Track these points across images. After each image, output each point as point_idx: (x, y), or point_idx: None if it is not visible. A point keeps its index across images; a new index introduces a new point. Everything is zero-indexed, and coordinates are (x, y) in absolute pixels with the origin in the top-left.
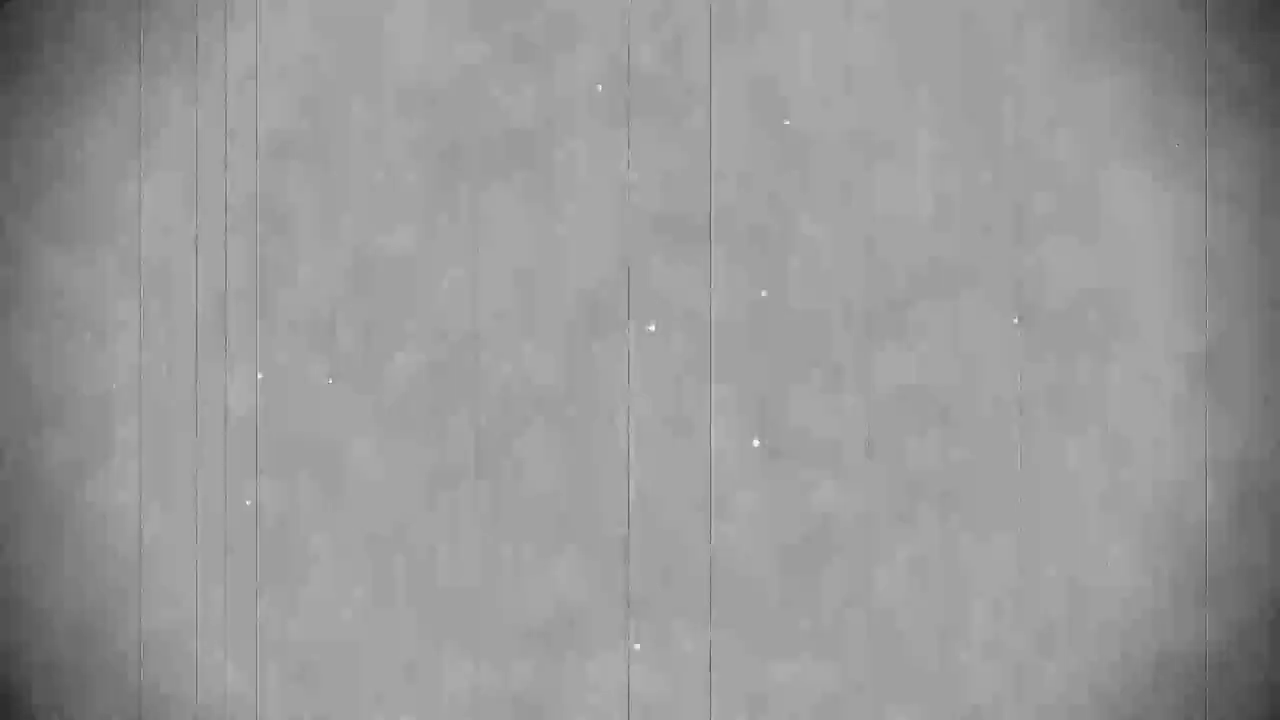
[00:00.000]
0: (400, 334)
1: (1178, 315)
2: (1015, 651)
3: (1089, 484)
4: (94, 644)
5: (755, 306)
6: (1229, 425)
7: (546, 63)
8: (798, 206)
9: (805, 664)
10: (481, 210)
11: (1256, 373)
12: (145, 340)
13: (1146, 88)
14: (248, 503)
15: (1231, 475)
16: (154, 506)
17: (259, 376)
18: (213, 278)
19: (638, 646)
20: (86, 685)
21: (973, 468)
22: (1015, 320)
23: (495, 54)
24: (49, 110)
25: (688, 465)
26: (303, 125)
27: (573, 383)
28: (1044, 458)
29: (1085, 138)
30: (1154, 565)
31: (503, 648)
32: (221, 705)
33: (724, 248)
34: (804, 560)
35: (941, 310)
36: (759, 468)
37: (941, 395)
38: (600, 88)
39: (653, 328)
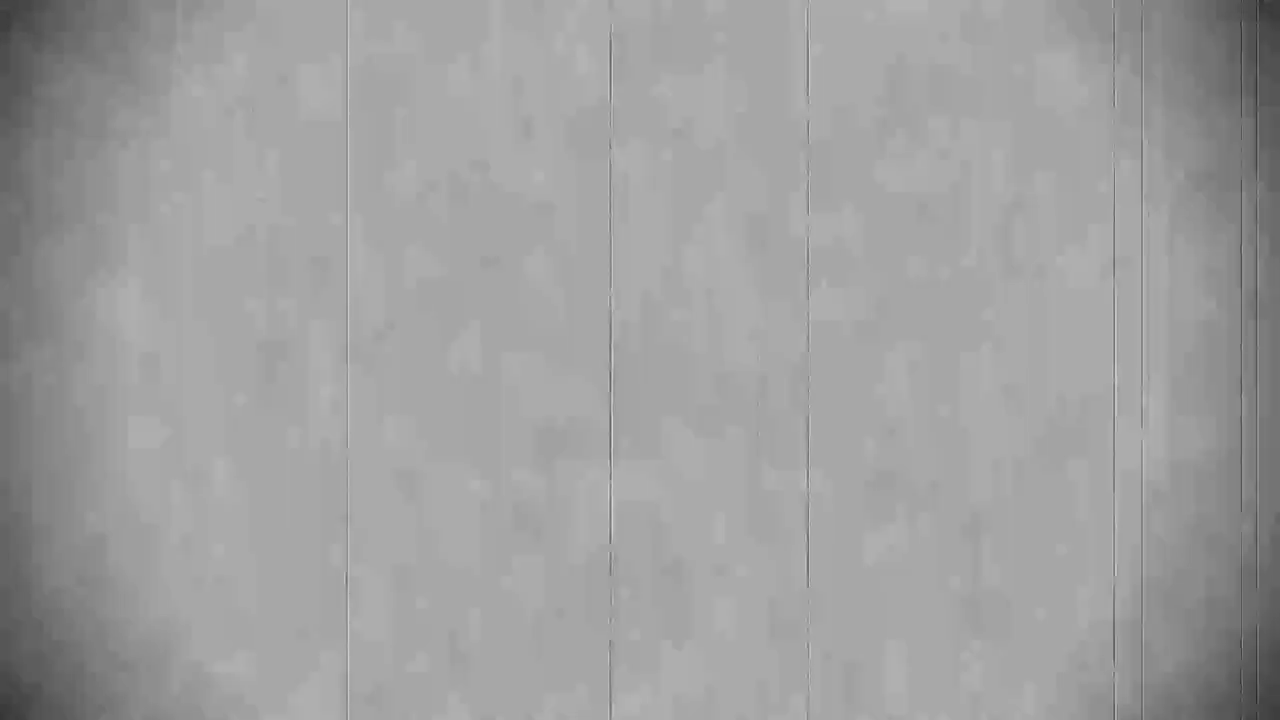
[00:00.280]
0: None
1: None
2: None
3: (1087, 294)
4: (89, 458)
5: (749, 119)
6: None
7: None
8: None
9: (804, 472)
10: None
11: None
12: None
13: None
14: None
15: (1232, 281)
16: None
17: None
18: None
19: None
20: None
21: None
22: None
23: None
24: None
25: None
26: None
27: (572, 195)
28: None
29: None
30: (1149, 376)
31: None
32: (227, 501)
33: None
34: (803, 367)
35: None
36: (758, 278)
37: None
38: None
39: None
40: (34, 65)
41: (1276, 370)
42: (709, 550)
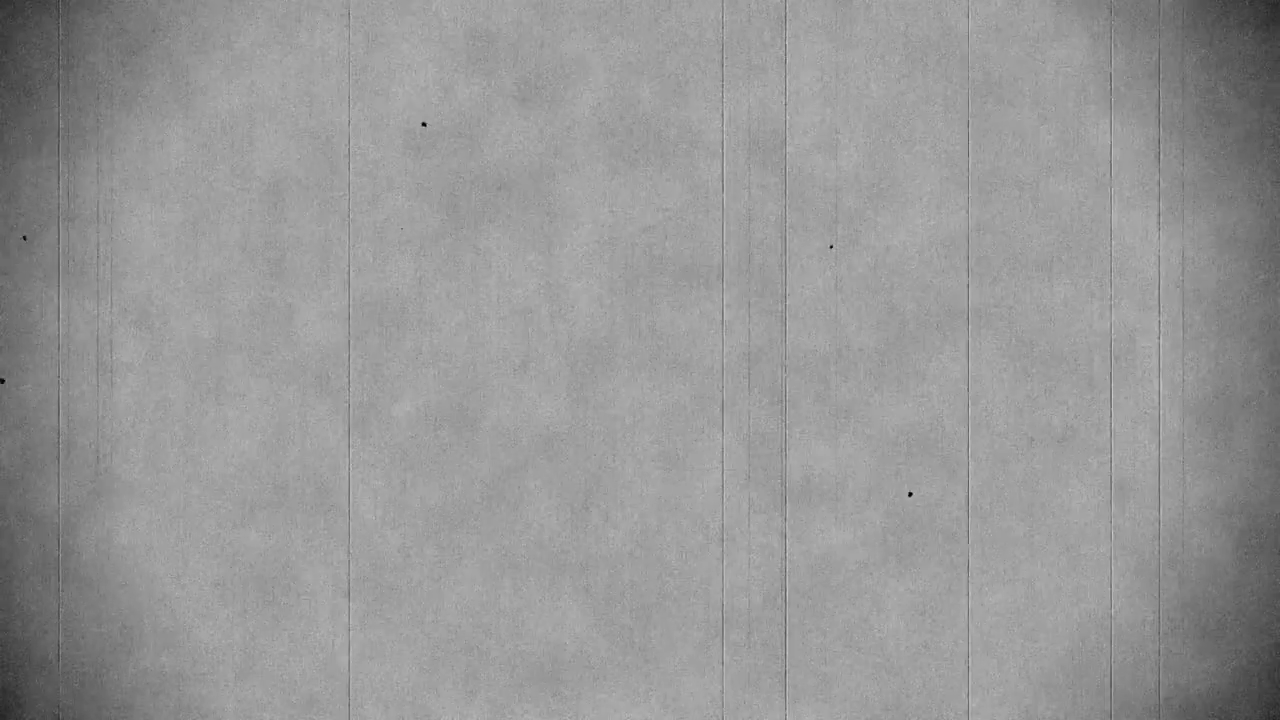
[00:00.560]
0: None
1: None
2: (1019, 695)
3: (1092, 525)
4: (94, 686)
5: (755, 350)
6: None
7: (550, 101)
8: (800, 247)
9: (808, 706)
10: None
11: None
12: (147, 379)
13: (1152, 133)
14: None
15: (1235, 517)
16: (159, 543)
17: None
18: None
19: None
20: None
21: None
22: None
23: (496, 93)
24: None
25: (690, 506)
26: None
27: (573, 424)
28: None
29: (1090, 180)
30: (1156, 607)
31: (503, 688)
32: None
33: (728, 290)
34: (806, 600)
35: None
36: (760, 509)
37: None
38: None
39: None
40: None
41: None
42: None
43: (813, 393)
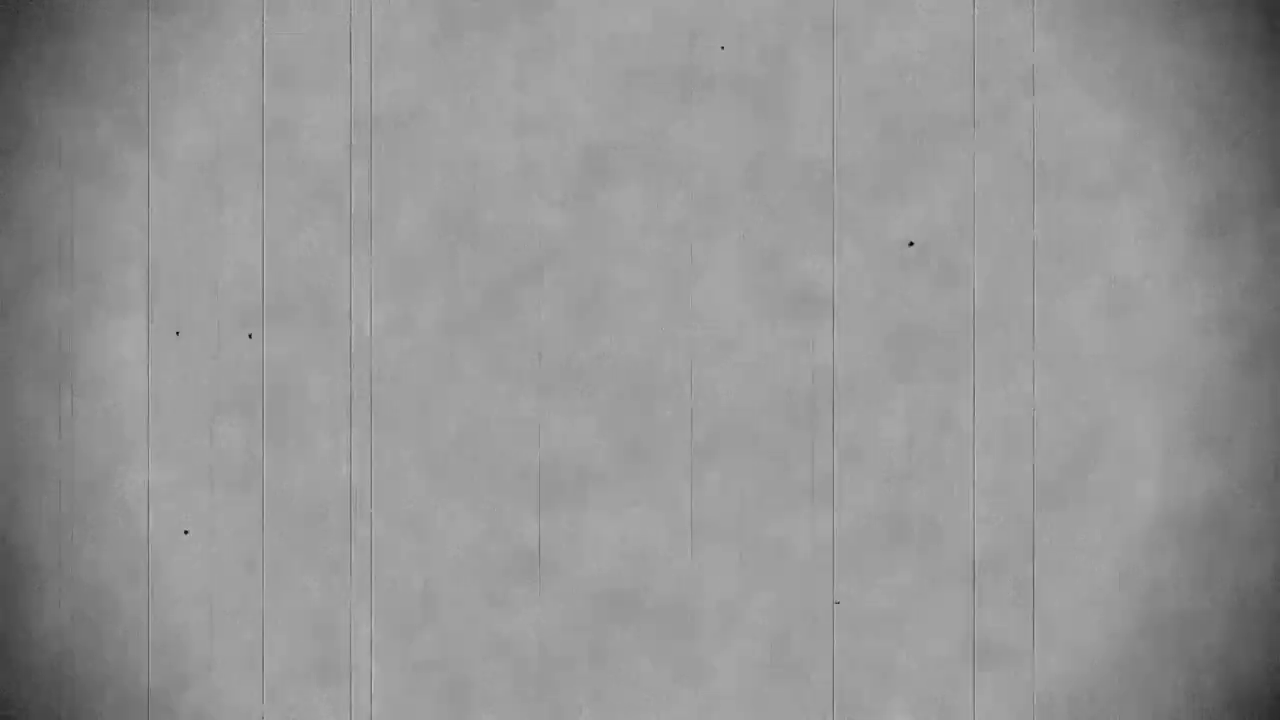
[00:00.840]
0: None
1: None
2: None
3: (1094, 335)
4: (97, 498)
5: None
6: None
7: None
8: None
9: (806, 513)
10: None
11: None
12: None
13: None
14: (250, 336)
15: (1239, 327)
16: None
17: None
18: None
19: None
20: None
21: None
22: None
23: None
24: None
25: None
26: None
27: (576, 234)
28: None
29: None
30: (1160, 418)
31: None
32: (226, 541)
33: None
34: (805, 409)
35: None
36: (761, 317)
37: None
38: None
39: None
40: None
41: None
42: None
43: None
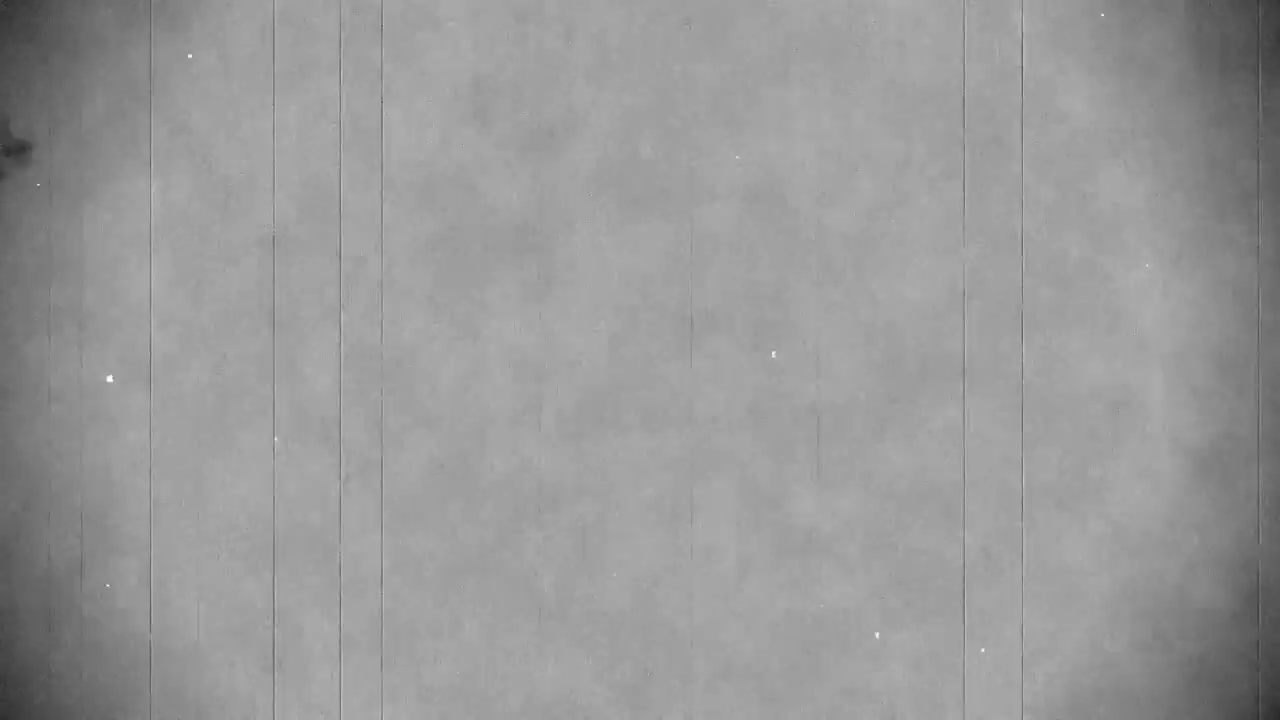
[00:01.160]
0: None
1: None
2: None
3: (1093, 579)
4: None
5: (754, 401)
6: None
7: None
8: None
9: None
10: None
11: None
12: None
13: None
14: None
15: (1236, 570)
16: (163, 596)
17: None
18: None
19: None
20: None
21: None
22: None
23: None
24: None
25: (689, 559)
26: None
27: (575, 477)
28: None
29: (1091, 233)
30: (1160, 659)
31: None
32: None
33: (726, 341)
34: (805, 653)
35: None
36: (760, 562)
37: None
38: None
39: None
40: None
41: None
42: None
43: (812, 443)
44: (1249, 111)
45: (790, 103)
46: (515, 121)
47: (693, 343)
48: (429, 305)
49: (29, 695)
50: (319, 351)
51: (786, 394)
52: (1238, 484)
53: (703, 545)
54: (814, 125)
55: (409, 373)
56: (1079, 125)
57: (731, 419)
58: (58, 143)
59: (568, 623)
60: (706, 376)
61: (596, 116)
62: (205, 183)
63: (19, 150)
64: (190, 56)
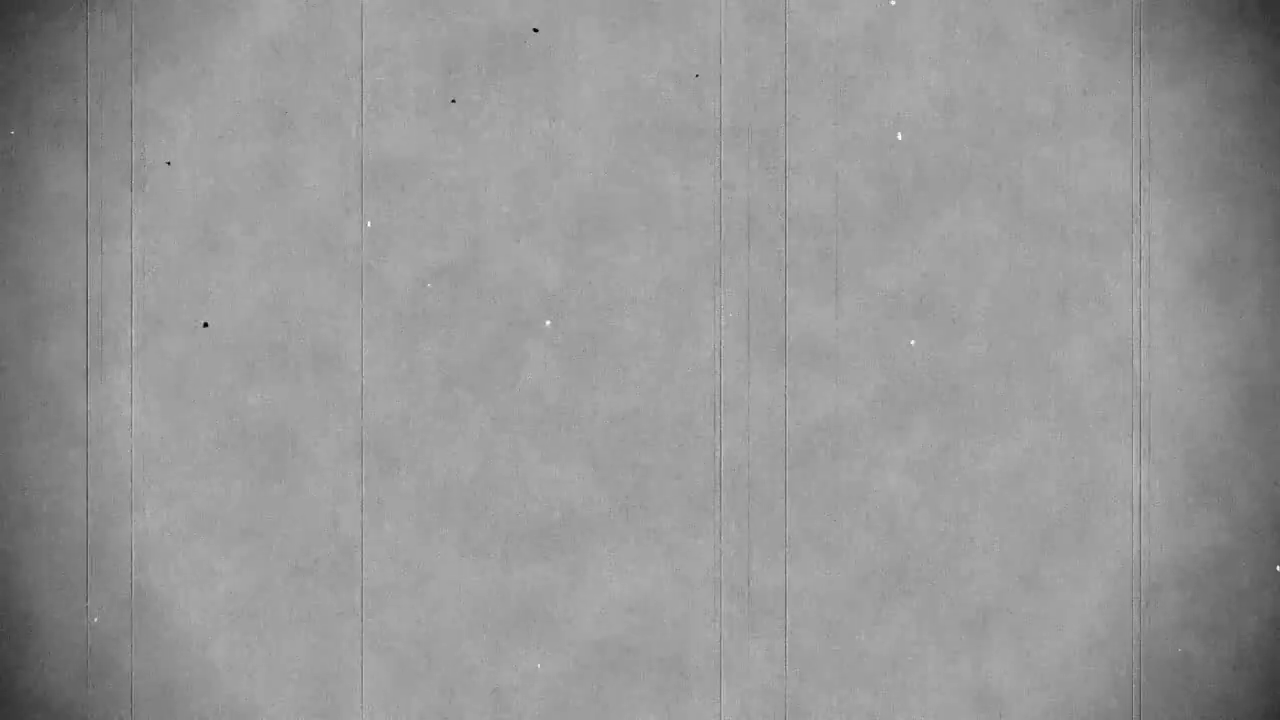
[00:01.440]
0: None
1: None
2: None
3: (1091, 386)
4: (92, 547)
5: (755, 210)
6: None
7: None
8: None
9: (808, 564)
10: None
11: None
12: (143, 241)
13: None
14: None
15: (1235, 377)
16: (153, 406)
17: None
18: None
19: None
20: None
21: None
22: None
23: None
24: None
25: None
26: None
27: (575, 286)
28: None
29: (1084, 47)
30: (1158, 469)
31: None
32: (223, 602)
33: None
34: (806, 460)
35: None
36: (762, 369)
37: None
38: None
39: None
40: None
41: None
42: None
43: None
44: None
45: None
46: None
47: (694, 152)
48: (428, 113)
49: (35, 501)
50: (320, 160)
51: (791, 206)
52: (1233, 297)
53: (705, 354)
54: None
55: (409, 179)
56: None
57: (734, 228)
58: None
59: (568, 431)
60: (709, 187)
61: None
62: None
63: None
64: None
